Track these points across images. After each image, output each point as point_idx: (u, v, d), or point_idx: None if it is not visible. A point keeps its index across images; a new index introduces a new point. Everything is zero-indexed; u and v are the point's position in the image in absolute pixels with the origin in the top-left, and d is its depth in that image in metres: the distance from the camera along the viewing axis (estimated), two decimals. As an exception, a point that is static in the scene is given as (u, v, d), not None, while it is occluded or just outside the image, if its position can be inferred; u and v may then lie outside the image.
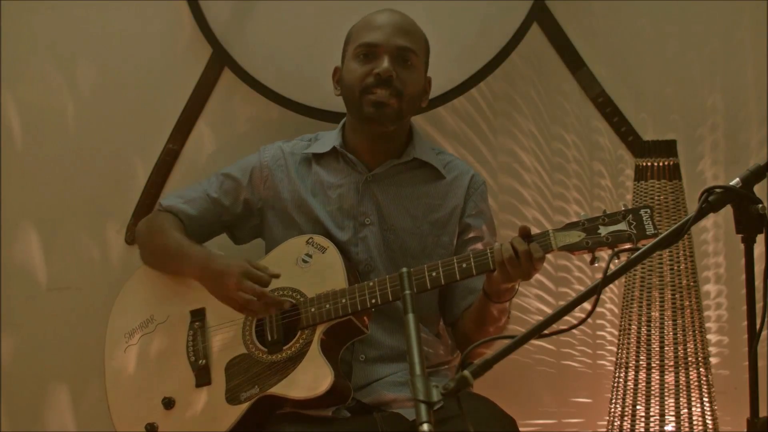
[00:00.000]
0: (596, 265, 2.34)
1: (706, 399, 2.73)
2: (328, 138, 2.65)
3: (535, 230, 2.36)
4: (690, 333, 2.73)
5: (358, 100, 2.52)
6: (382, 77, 2.50)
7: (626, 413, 2.74)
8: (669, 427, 2.70)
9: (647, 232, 2.29)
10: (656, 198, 2.75)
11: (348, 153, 2.60)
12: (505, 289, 2.43)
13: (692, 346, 2.73)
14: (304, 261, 2.53)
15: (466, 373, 1.71)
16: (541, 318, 1.84)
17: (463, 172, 2.66)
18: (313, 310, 2.45)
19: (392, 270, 2.52)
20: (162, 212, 2.68)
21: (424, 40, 2.60)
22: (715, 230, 3.01)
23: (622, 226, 2.31)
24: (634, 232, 2.29)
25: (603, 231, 2.31)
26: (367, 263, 2.57)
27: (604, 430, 2.86)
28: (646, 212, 2.31)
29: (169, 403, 2.53)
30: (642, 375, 2.73)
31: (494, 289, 2.43)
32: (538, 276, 2.98)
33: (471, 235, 2.62)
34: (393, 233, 2.59)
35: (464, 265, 2.38)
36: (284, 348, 2.46)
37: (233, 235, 2.72)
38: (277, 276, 2.46)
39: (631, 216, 2.31)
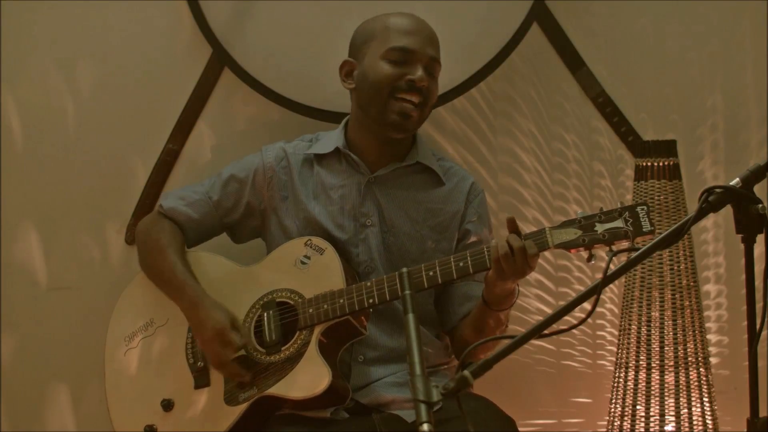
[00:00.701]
0: (592, 262, 2.34)
1: (706, 399, 2.73)
2: (330, 138, 2.65)
3: (533, 229, 2.36)
4: (690, 333, 2.73)
5: (385, 101, 2.51)
6: (416, 85, 2.50)
7: (626, 413, 2.74)
8: (669, 427, 2.70)
9: (644, 229, 2.29)
10: (656, 198, 2.75)
11: (351, 153, 2.60)
12: (503, 295, 2.42)
13: (692, 346, 2.73)
14: (303, 262, 2.53)
15: (466, 373, 1.71)
16: (541, 318, 1.84)
17: (463, 178, 2.66)
18: (311, 310, 2.46)
19: (392, 272, 2.52)
20: (162, 218, 2.67)
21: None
22: (715, 230, 3.01)
23: (618, 223, 2.31)
24: (631, 228, 2.29)
25: (599, 228, 2.31)
26: (368, 264, 2.57)
27: (604, 430, 2.86)
28: (642, 209, 2.31)
29: (168, 405, 2.53)
30: (642, 375, 2.73)
31: (492, 293, 2.42)
32: (538, 276, 3.00)
33: (472, 239, 2.62)
34: (393, 236, 2.59)
35: (461, 264, 2.38)
36: (282, 349, 2.46)
37: (233, 235, 2.72)
38: (245, 344, 2.46)
39: (627, 213, 2.31)
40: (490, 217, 2.70)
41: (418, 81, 2.50)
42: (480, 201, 2.66)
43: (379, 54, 2.53)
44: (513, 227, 2.34)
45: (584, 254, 2.33)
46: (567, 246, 2.32)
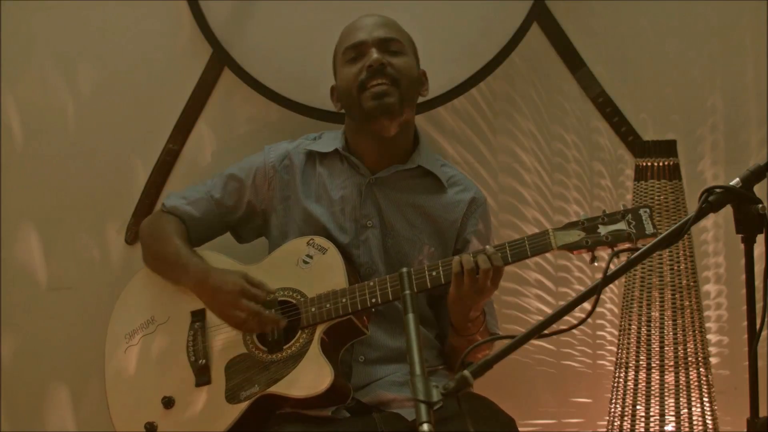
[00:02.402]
0: (595, 264, 2.35)
1: (706, 399, 2.73)
2: (332, 138, 2.65)
3: (535, 231, 2.37)
4: (690, 333, 2.73)
5: (358, 99, 2.52)
6: (374, 67, 2.50)
7: (626, 413, 2.74)
8: (669, 427, 2.70)
9: (646, 232, 2.30)
10: (656, 198, 2.75)
11: (351, 156, 2.60)
12: (466, 316, 2.42)
13: (692, 346, 2.73)
14: (305, 262, 2.53)
15: (466, 373, 1.71)
16: (541, 318, 1.84)
17: (465, 188, 2.65)
18: (313, 309, 2.46)
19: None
20: (165, 214, 2.68)
21: (406, 34, 2.62)
22: (715, 230, 3.01)
23: (621, 225, 2.32)
24: (634, 231, 2.31)
25: (603, 230, 2.32)
26: (369, 266, 2.57)
27: (604, 430, 2.86)
28: (645, 212, 2.32)
29: (168, 403, 2.53)
30: (642, 375, 2.73)
31: (457, 317, 2.42)
32: (538, 276, 3.00)
33: (470, 251, 2.61)
34: (392, 238, 2.58)
35: (463, 264, 2.38)
36: (284, 347, 2.47)
37: (237, 235, 2.72)
38: (272, 292, 2.48)
39: (630, 215, 2.32)
40: (491, 230, 2.69)
41: (374, 62, 2.50)
42: (481, 214, 2.64)
43: (339, 64, 2.57)
44: None
45: (587, 256, 2.34)
46: (570, 248, 2.33)
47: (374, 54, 2.51)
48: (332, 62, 2.64)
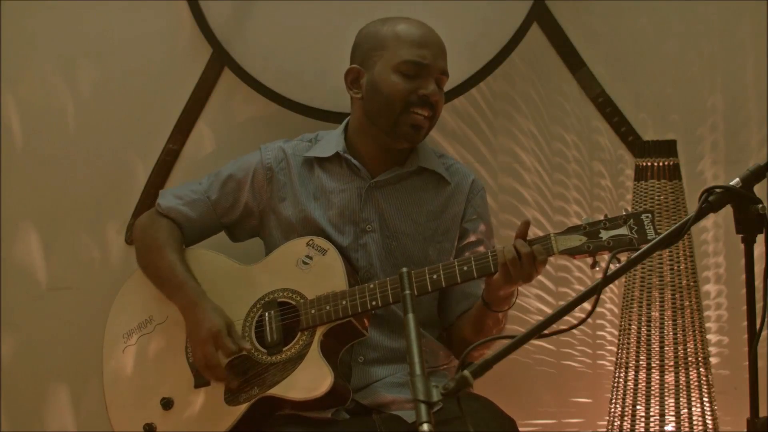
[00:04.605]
0: (597, 269, 2.34)
1: (706, 399, 2.73)
2: (331, 141, 2.63)
3: (535, 231, 2.36)
4: (690, 333, 2.73)
5: (397, 116, 2.50)
6: (429, 100, 2.50)
7: (626, 413, 2.74)
8: (669, 427, 2.71)
9: (648, 237, 2.30)
10: (656, 198, 2.75)
11: (352, 158, 2.59)
12: (504, 297, 2.43)
13: (692, 346, 2.73)
14: (304, 263, 2.52)
15: (466, 373, 1.71)
16: (541, 318, 1.84)
17: (464, 176, 2.65)
18: (313, 311, 2.45)
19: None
20: (160, 217, 2.66)
21: None
22: (715, 230, 3.01)
23: (623, 230, 2.32)
24: (636, 236, 2.30)
25: (604, 235, 2.32)
26: (367, 270, 2.56)
27: (604, 430, 2.86)
28: (647, 217, 2.32)
29: (167, 404, 2.53)
30: (642, 375, 2.73)
31: (494, 296, 2.42)
32: (538, 276, 3.00)
33: (470, 239, 2.61)
34: (395, 240, 2.58)
35: (465, 268, 2.37)
36: (284, 349, 2.46)
37: (231, 234, 2.71)
38: (247, 349, 2.45)
39: (632, 220, 2.32)
40: (489, 215, 2.70)
41: (431, 95, 2.50)
42: (480, 199, 2.65)
43: (391, 66, 2.51)
44: (523, 232, 2.35)
45: (588, 261, 2.34)
46: (572, 252, 2.33)
47: (432, 86, 2.50)
48: (364, 44, 2.56)
